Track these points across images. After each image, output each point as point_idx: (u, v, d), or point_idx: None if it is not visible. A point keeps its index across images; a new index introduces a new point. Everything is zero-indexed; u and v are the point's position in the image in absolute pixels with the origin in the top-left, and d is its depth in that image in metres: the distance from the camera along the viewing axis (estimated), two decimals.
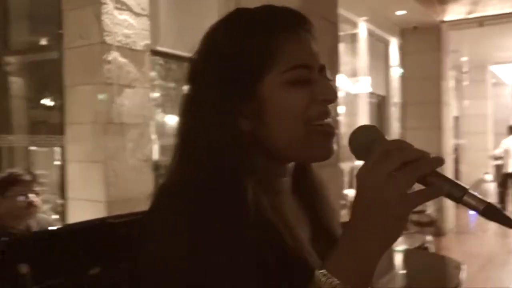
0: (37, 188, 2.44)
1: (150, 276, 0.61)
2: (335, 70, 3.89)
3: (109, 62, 3.63)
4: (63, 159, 4.02)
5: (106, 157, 3.58)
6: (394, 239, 0.60)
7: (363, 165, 0.61)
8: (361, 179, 0.60)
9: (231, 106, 0.70)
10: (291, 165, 0.78)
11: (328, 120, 0.73)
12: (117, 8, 3.73)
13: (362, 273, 0.59)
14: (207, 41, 0.74)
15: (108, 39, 3.66)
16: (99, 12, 3.63)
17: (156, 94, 9.22)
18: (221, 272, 0.60)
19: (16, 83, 5.09)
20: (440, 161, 0.59)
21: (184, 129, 0.72)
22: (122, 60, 3.74)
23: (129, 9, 3.84)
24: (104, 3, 3.65)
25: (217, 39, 0.74)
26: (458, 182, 0.59)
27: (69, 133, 3.86)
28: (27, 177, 2.41)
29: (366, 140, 0.65)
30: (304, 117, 0.71)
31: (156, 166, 8.85)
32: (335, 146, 0.73)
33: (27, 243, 1.58)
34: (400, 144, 0.61)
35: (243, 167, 0.68)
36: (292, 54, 0.72)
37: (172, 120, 9.83)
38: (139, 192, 3.74)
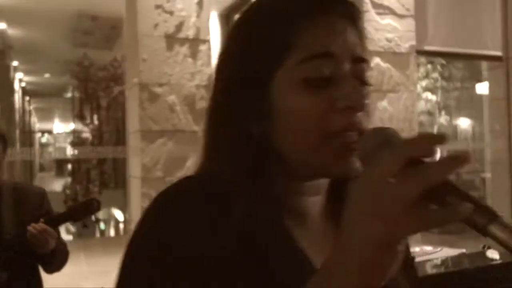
0: None
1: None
2: None
3: (371, 69, 3.64)
4: None
5: None
6: (379, 275, 0.42)
7: (360, 173, 0.45)
8: (351, 189, 0.44)
9: (242, 105, 0.59)
10: (323, 181, 0.61)
11: (353, 134, 0.55)
12: (379, 14, 3.71)
13: None
14: (230, 33, 0.63)
15: (370, 46, 3.67)
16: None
17: (431, 97, 8.78)
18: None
19: None
20: (464, 159, 0.40)
21: (204, 126, 0.63)
22: (384, 65, 3.69)
23: (392, 12, 3.77)
24: (366, 11, 3.68)
25: (235, 30, 0.63)
26: (485, 204, 0.39)
27: None
28: None
29: (375, 145, 0.47)
30: (321, 128, 0.56)
31: None
32: (357, 162, 0.54)
33: None
34: (415, 142, 0.43)
35: (241, 176, 0.56)
36: (312, 42, 0.57)
37: (462, 123, 9.16)
38: None
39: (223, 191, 0.55)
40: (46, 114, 21.25)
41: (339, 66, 0.57)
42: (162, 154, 3.29)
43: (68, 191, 11.92)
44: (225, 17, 7.17)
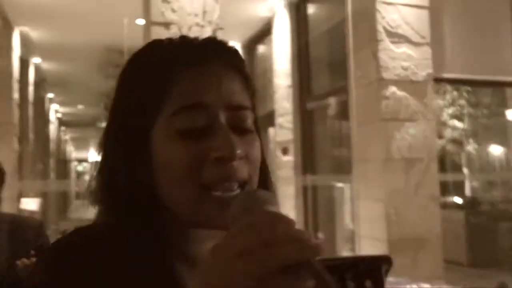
0: None
1: None
2: None
3: (387, 97, 3.59)
4: (352, 196, 4.13)
5: (387, 195, 3.50)
6: None
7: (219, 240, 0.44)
8: (207, 255, 0.44)
9: (126, 150, 0.59)
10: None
11: (230, 184, 0.55)
12: (393, 42, 3.68)
13: None
14: (121, 74, 0.63)
15: (385, 75, 3.63)
16: (376, 49, 3.66)
17: (458, 124, 8.55)
18: None
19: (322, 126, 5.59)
20: (316, 251, 0.41)
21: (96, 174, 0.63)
22: (401, 93, 3.64)
23: (407, 40, 3.74)
24: (381, 40, 3.67)
25: (124, 74, 0.63)
26: (327, 281, 0.40)
27: (356, 171, 3.95)
28: None
29: (238, 210, 0.47)
30: (195, 180, 0.56)
31: (471, 203, 8.09)
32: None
33: None
34: (274, 218, 0.43)
35: (128, 223, 0.56)
36: (184, 93, 0.57)
37: (494, 150, 8.85)
38: (424, 231, 3.49)
39: (111, 244, 0.54)
40: (81, 144, 21.84)
41: (213, 116, 0.57)
42: None
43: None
44: (248, 48, 7.29)
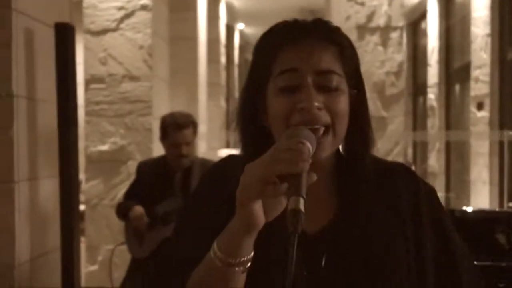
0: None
1: None
2: None
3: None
4: None
5: None
6: (242, 224, 0.68)
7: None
8: None
9: (251, 101, 0.84)
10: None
11: (313, 127, 0.76)
12: None
13: (230, 247, 0.71)
14: (254, 47, 0.87)
15: None
16: None
17: None
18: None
19: None
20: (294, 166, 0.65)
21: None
22: None
23: None
24: None
25: (254, 48, 0.87)
26: (300, 188, 0.64)
27: None
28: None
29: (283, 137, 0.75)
30: (286, 122, 0.78)
31: None
32: (323, 151, 0.77)
33: None
34: (287, 144, 0.69)
35: (248, 156, 0.78)
36: (283, 61, 0.79)
37: None
38: None
39: (236, 172, 0.76)
40: None
41: (302, 78, 0.78)
42: None
43: None
44: None
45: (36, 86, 2.06)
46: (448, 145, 6.70)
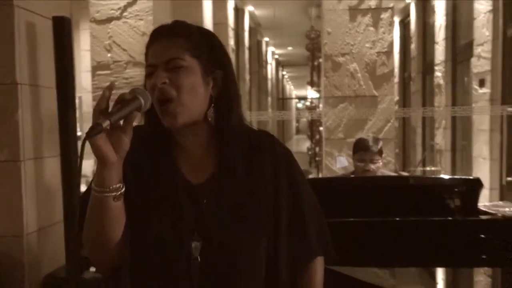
0: (377, 158, 2.72)
1: None
2: None
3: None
4: None
5: None
6: (99, 162, 0.94)
7: None
8: None
9: (145, 86, 1.11)
10: (194, 128, 1.08)
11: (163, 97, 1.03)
12: None
13: (98, 179, 0.96)
14: None
15: None
16: None
17: None
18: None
19: None
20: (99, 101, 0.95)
21: None
22: None
23: None
24: None
25: None
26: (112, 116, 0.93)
27: None
28: (373, 148, 2.70)
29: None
30: (153, 98, 1.04)
31: None
32: (173, 118, 1.04)
33: None
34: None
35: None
36: (148, 58, 1.09)
37: None
38: None
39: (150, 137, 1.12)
40: (299, 82, 23.25)
41: (156, 67, 1.05)
42: (344, 117, 3.66)
43: (310, 152, 13.18)
44: None
45: (38, 74, 2.26)
46: (454, 123, 6.75)
